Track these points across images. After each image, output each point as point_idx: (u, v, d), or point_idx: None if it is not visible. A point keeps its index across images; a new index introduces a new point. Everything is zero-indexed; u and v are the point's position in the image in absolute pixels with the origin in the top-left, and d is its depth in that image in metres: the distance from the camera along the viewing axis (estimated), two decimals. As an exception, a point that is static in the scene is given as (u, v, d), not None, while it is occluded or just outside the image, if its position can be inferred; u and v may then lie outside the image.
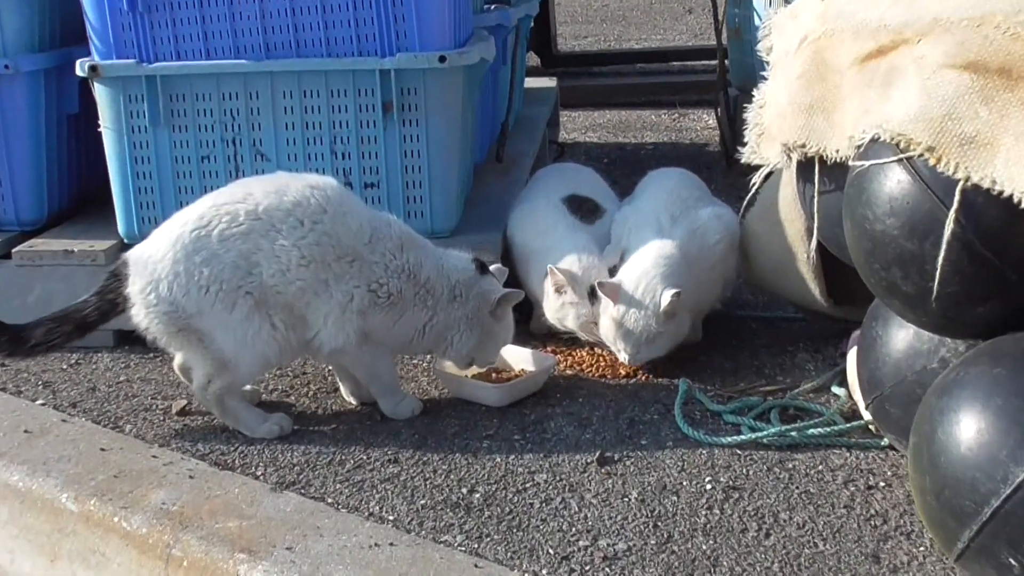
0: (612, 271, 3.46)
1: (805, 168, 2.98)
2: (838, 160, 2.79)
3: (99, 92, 3.70)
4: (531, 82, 6.32)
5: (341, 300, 3.01)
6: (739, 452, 2.94)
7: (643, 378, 3.38)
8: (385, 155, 3.68)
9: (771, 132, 3.04)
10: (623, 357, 3.34)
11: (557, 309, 3.52)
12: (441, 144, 3.69)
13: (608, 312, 3.32)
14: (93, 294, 3.07)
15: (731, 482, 2.80)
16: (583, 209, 3.76)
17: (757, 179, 3.20)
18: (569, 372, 3.47)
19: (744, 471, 2.85)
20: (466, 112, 3.84)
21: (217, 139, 3.69)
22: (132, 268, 3.03)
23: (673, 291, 3.25)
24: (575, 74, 8.23)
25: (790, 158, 2.95)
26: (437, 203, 3.73)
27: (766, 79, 3.15)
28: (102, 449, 3.03)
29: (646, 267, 3.33)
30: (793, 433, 2.99)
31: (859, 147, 2.58)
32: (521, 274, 3.72)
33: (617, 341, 3.33)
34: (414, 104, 3.63)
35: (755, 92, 3.17)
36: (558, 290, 3.49)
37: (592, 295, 3.45)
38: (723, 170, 5.59)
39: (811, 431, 2.99)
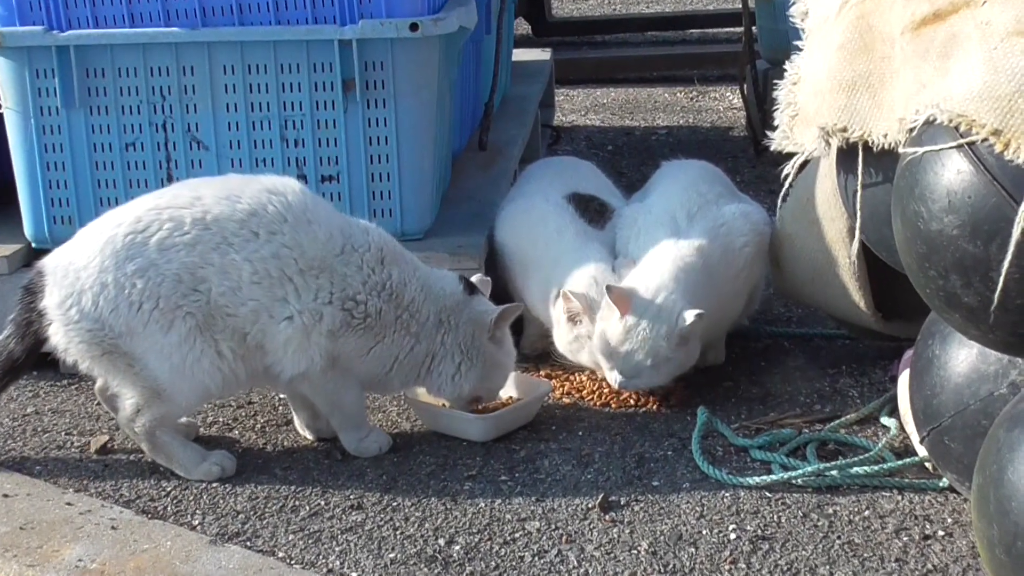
0: None
1: (847, 156, 2.99)
2: (886, 146, 2.80)
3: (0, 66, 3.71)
4: (520, 54, 6.33)
5: (306, 322, 3.03)
6: (769, 495, 2.96)
7: (654, 407, 3.40)
8: (346, 143, 3.68)
9: (807, 113, 3.05)
10: (613, 378, 3.35)
11: (570, 341, 3.50)
12: (413, 129, 3.69)
13: (612, 322, 3.32)
14: (10, 321, 3.08)
15: (760, 531, 2.81)
16: (590, 210, 3.76)
17: (790, 170, 3.21)
18: (567, 400, 3.48)
19: (775, 518, 2.86)
20: (442, 91, 3.85)
21: (144, 123, 3.69)
22: (49, 277, 3.04)
23: (696, 312, 3.27)
24: (573, 44, 8.23)
25: (829, 144, 2.96)
26: (408, 200, 3.74)
27: (800, 50, 3.16)
28: (4, 495, 3.03)
29: (664, 277, 3.35)
30: (834, 472, 3.00)
31: (911, 131, 2.60)
32: (516, 286, 3.73)
33: (613, 357, 3.33)
34: (380, 81, 3.64)
35: (788, 65, 3.18)
36: (572, 319, 3.47)
37: None
38: (750, 159, 5.61)
39: (855, 470, 3.01)
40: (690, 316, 3.26)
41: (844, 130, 2.88)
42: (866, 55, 2.86)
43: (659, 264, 3.39)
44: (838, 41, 2.92)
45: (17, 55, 3.65)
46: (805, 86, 3.07)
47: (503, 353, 3.29)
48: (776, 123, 3.17)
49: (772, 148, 3.20)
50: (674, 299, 3.30)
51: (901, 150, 2.63)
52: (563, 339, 3.51)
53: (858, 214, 2.98)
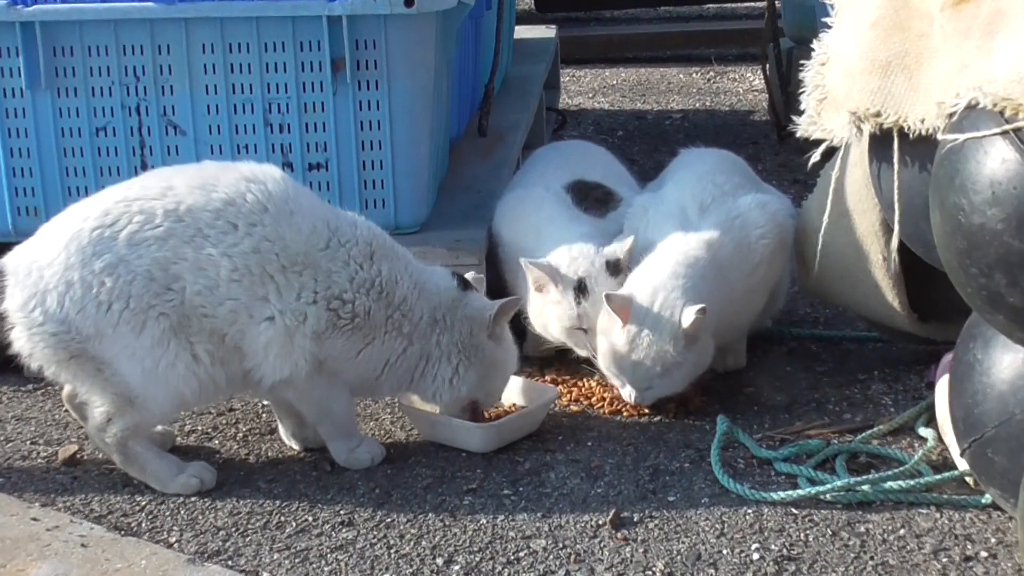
0: (618, 269, 3.49)
1: (880, 143, 2.99)
2: (923, 133, 2.81)
3: (-40, 44, 3.71)
4: (522, 31, 6.34)
5: (289, 323, 3.02)
6: (795, 511, 2.95)
7: (670, 416, 3.40)
8: (335, 128, 3.69)
9: (836, 96, 3.05)
10: (628, 394, 3.36)
11: (539, 313, 3.55)
12: (408, 113, 3.70)
13: (614, 333, 3.33)
14: None
15: (785, 550, 2.81)
16: (591, 198, 3.78)
17: (817, 157, 3.21)
18: (574, 407, 3.48)
19: (802, 536, 2.86)
20: (440, 72, 3.85)
21: (116, 106, 3.70)
22: (10, 278, 3.03)
23: (696, 307, 3.26)
24: (580, 21, 8.26)
25: (861, 130, 2.96)
26: (402, 189, 3.74)
27: (829, 27, 3.16)
28: (-34, 510, 3.03)
29: (663, 277, 3.35)
30: (865, 487, 2.99)
31: (952, 116, 2.59)
32: (511, 281, 3.74)
33: (623, 373, 3.34)
34: (372, 61, 3.64)
35: (815, 44, 3.18)
36: (539, 289, 3.53)
37: (579, 291, 3.47)
38: (773, 145, 5.63)
39: (889, 484, 3.00)
40: (690, 313, 3.26)
41: (877, 115, 2.88)
42: (902, 33, 2.86)
43: (660, 263, 3.40)
44: (871, 18, 2.92)
45: (-23, 32, 3.65)
46: (834, 67, 3.07)
47: (503, 351, 3.29)
48: (803, 107, 3.17)
49: (798, 134, 3.20)
50: (674, 298, 3.30)
51: (940, 137, 2.62)
52: (533, 311, 3.58)
53: (894, 206, 2.98)
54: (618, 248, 3.51)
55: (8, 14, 3.60)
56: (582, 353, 3.54)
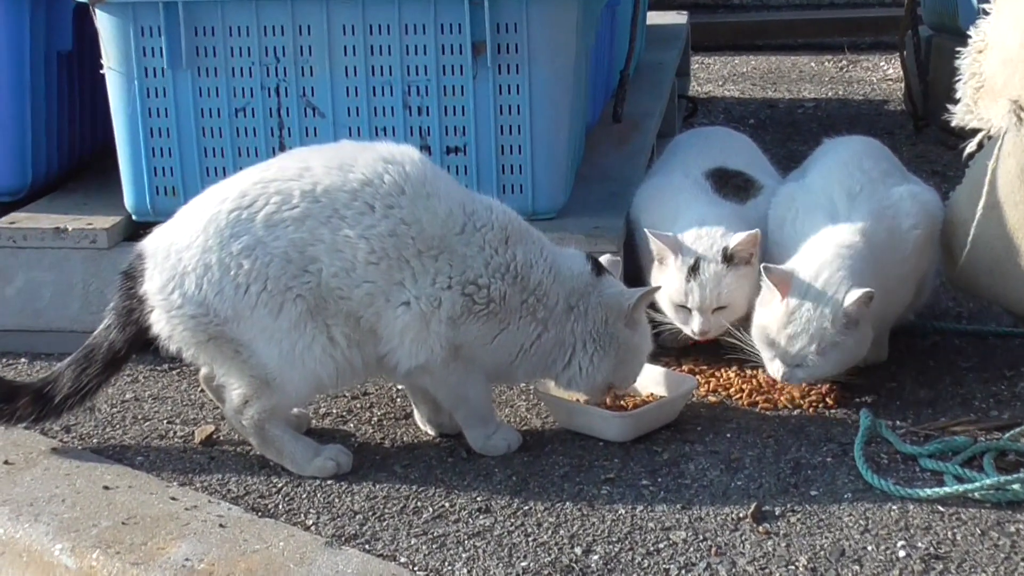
0: (730, 258, 3.49)
1: (1040, 133, 2.95)
2: (1090, 123, 2.76)
3: (102, 23, 3.74)
4: (653, 17, 6.32)
5: (424, 309, 3.03)
6: (941, 509, 2.91)
7: (810, 409, 3.37)
8: (474, 112, 3.69)
9: (994, 85, 3.01)
10: (774, 370, 3.33)
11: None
12: (547, 98, 3.69)
13: (771, 306, 3.31)
14: (110, 310, 3.12)
15: (932, 549, 2.77)
16: (731, 185, 3.77)
17: (973, 147, 3.16)
18: (712, 398, 3.46)
19: (949, 535, 2.82)
20: (579, 57, 3.84)
21: (255, 86, 3.72)
22: (149, 260, 3.06)
23: (864, 290, 3.23)
24: (707, 7, 8.21)
25: (1021, 119, 2.92)
26: (540, 175, 3.74)
27: (986, 13, 3.11)
28: (105, 487, 3.06)
29: (827, 257, 3.33)
30: (1016, 486, 2.94)
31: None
32: (647, 268, 3.71)
33: (775, 345, 3.31)
34: (513, 45, 3.64)
35: (972, 31, 3.13)
36: (660, 261, 3.56)
37: (692, 269, 3.48)
38: (909, 136, 5.55)
39: (1041, 484, 2.96)
40: (856, 293, 3.23)
41: (1040, 103, 2.85)
42: (1070, 19, 2.82)
43: (820, 246, 3.38)
44: (1038, 4, 2.88)
45: (121, 11, 3.69)
46: (993, 54, 3.03)
47: (639, 335, 3.27)
48: (958, 95, 3.14)
49: (953, 123, 3.17)
50: (840, 277, 3.29)
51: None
52: (653, 283, 3.57)
53: (1052, 198, 2.94)
54: (737, 237, 3.49)
55: (151, -7, 3.65)
56: (685, 330, 3.54)
